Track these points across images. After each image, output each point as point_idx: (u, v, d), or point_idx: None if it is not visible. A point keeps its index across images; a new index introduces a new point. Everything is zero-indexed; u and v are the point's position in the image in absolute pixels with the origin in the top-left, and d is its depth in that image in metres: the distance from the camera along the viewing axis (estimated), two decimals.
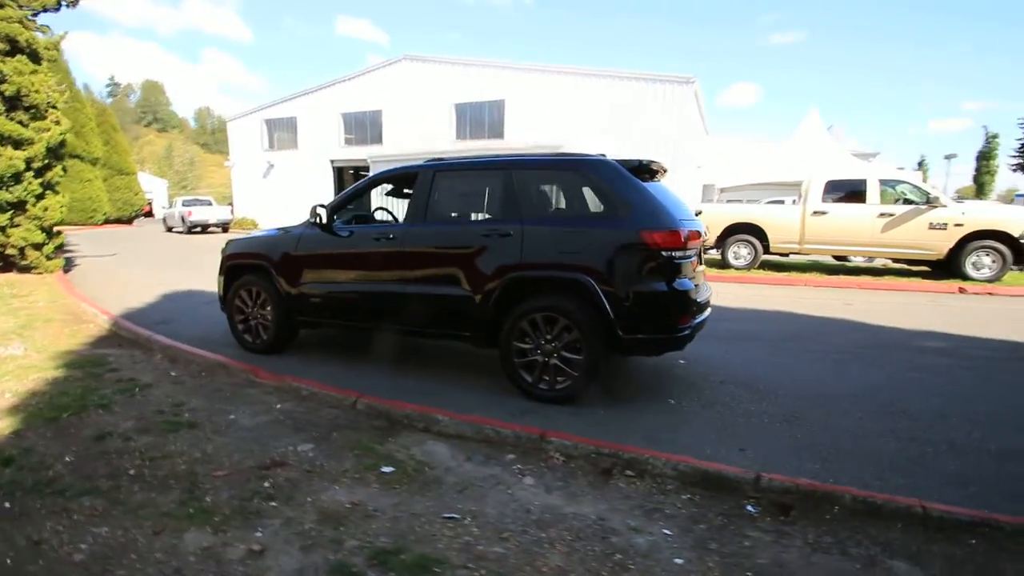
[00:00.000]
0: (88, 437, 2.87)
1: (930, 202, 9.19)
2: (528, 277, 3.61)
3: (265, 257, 4.64)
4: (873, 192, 9.69)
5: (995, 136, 34.06)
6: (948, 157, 30.14)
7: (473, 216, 4.10)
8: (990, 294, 8.16)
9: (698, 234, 3.70)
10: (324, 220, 4.29)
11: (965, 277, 8.86)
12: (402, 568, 1.85)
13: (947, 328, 5.99)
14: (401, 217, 4.83)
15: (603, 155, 3.84)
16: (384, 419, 3.26)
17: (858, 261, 12.89)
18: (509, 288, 3.66)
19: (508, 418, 3.36)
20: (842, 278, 9.71)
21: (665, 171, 4.06)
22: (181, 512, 2.18)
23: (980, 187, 33.80)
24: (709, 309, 3.98)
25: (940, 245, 9.05)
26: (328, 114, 24.18)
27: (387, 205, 5.46)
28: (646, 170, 3.77)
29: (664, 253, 3.38)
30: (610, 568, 1.91)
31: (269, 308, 4.67)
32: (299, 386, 3.67)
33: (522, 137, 19.80)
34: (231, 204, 26.52)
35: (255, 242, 4.88)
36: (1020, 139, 43.71)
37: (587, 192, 3.70)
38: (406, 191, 5.34)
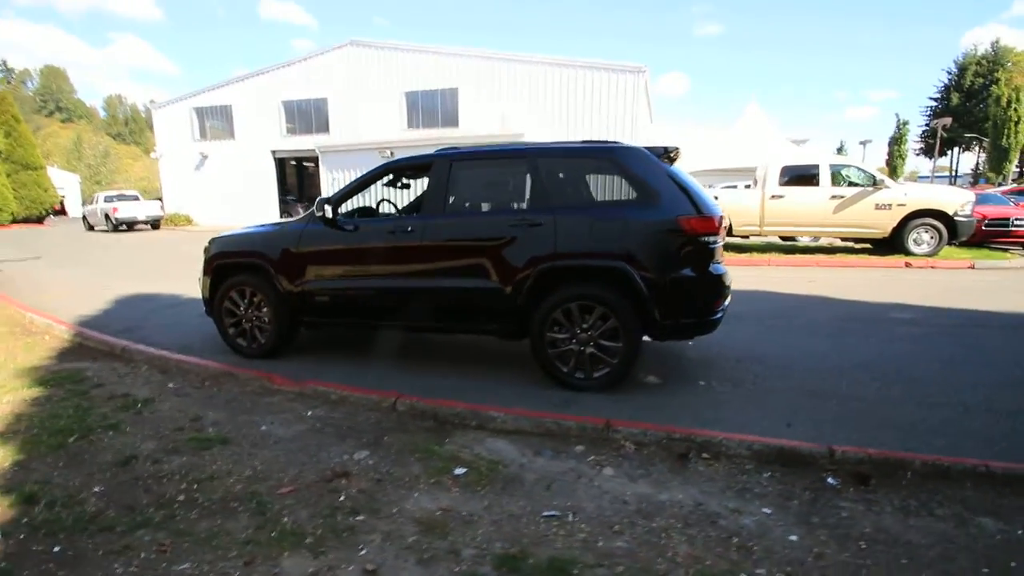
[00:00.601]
0: (110, 463, 2.54)
1: (876, 184, 9.92)
2: (563, 267, 3.55)
3: (261, 255, 4.30)
4: (825, 176, 10.33)
5: (906, 123, 37.35)
6: (863, 143, 32.73)
7: (495, 206, 3.97)
8: (932, 267, 8.95)
9: (722, 219, 3.78)
10: (329, 215, 4.01)
11: (907, 252, 9.66)
12: (538, 573, 1.77)
13: (909, 299, 6.49)
14: (408, 209, 4.65)
15: (617, 142, 3.83)
16: (432, 419, 3.11)
17: (806, 241, 13.76)
18: (542, 278, 3.59)
19: (554, 409, 3.30)
20: (799, 257, 10.32)
21: (679, 157, 4.11)
22: (264, 537, 1.97)
23: (893, 170, 36.99)
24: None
25: (886, 224, 9.81)
26: (267, 102, 22.80)
27: (385, 198, 5.17)
28: (667, 156, 3.79)
29: (700, 239, 3.42)
30: (736, 551, 1.92)
31: (266, 309, 4.33)
32: (327, 390, 3.44)
33: (478, 126, 19.55)
34: (159, 199, 24.50)
35: (247, 239, 4.50)
36: (921, 126, 48.21)
37: (618, 179, 3.67)
38: (404, 182, 5.14)
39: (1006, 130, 26.74)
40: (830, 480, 2.42)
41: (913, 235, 9.71)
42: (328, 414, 3.21)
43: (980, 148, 42.89)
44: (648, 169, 3.54)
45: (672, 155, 3.85)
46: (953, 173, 46.90)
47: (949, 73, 48.31)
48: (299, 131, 22.83)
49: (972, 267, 8.88)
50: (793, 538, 2.00)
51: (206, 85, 24.03)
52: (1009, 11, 76.90)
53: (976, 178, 39.62)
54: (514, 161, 3.85)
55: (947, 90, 47.87)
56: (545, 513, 2.17)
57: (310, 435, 2.91)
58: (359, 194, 4.37)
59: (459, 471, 2.51)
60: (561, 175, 3.72)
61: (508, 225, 3.67)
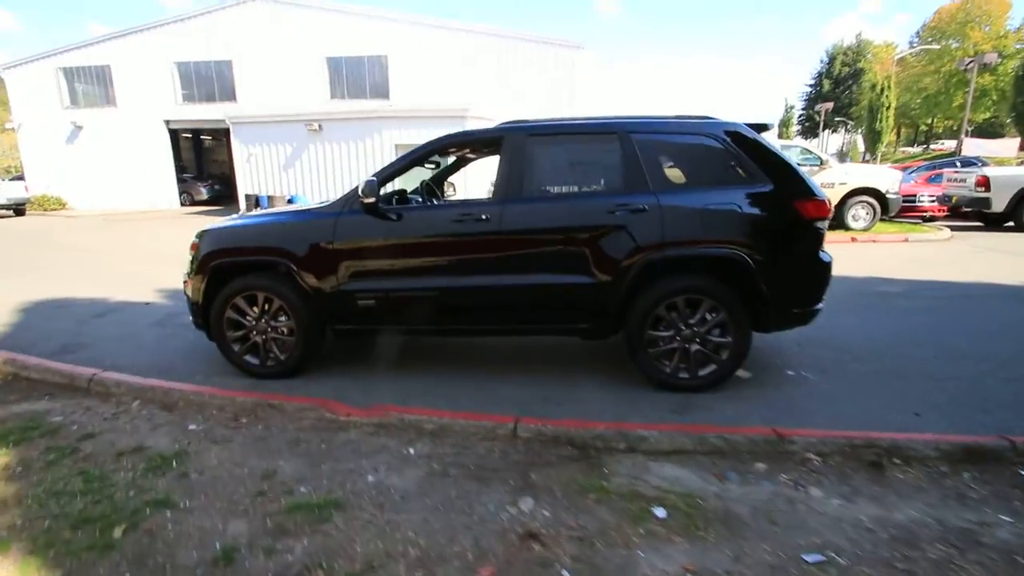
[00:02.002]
0: (202, 564, 1.80)
1: (821, 165, 10.61)
2: (672, 257, 3.19)
3: (282, 252, 3.46)
4: None
5: (792, 107, 41.06)
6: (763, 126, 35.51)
7: (583, 189, 3.47)
8: (874, 241, 9.79)
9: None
10: (373, 200, 3.29)
11: (847, 228, 10.49)
12: None
13: (882, 273, 6.92)
14: (454, 193, 4.00)
15: (709, 117, 3.50)
16: (568, 445, 2.64)
17: None
18: (646, 271, 3.21)
19: (673, 416, 3.00)
20: None
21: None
22: None
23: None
24: None
25: (831, 201, 10.55)
26: (157, 63, 19.59)
27: (425, 181, 4.41)
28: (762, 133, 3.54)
29: (814, 223, 3.23)
30: None
31: (286, 318, 3.53)
32: (418, 418, 2.81)
33: (412, 98, 18.28)
34: (21, 178, 20.34)
35: (258, 233, 3.60)
36: (799, 111, 53.34)
37: (723, 159, 3.34)
38: (450, 161, 4.40)
39: (879, 115, 30.26)
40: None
41: (852, 212, 10.55)
42: (436, 450, 2.62)
43: (845, 130, 48.50)
44: (760, 149, 3.25)
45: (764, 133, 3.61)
46: (824, 152, 52.75)
47: (821, 62, 53.82)
48: (199, 98, 19.93)
49: (907, 240, 9.83)
50: None
51: (76, 41, 20.04)
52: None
53: (842, 157, 44.65)
54: (604, 138, 3.36)
55: (820, 77, 53.34)
56: (808, 558, 1.84)
57: (439, 483, 2.32)
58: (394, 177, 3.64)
59: (659, 512, 2.10)
60: (661, 153, 3.31)
61: (605, 211, 3.22)
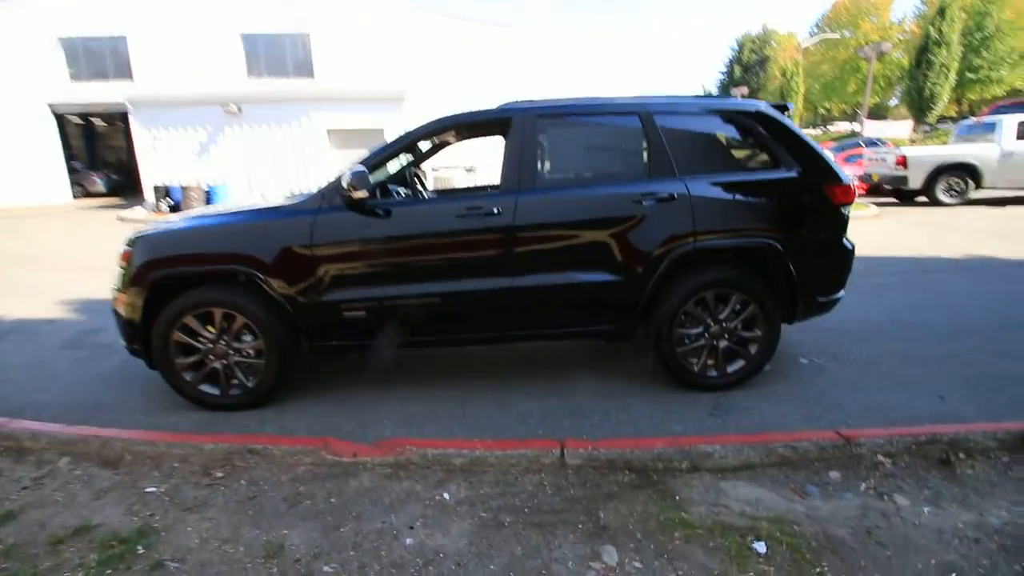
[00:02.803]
0: None
1: None
2: (704, 248, 2.93)
3: (243, 258, 2.84)
4: None
5: (710, 94, 42.92)
6: None
7: (602, 176, 3.11)
8: None
9: None
10: (365, 194, 2.76)
11: None
12: None
13: (877, 250, 7.03)
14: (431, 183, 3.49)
15: (725, 97, 3.26)
16: (625, 470, 2.31)
17: None
18: (677, 264, 2.94)
19: (713, 420, 2.81)
20: None
21: None
22: None
23: None
24: None
25: None
26: (36, 37, 16.88)
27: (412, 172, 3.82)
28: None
29: (842, 209, 3.10)
30: None
31: (252, 337, 2.94)
32: (443, 452, 2.36)
33: (340, 78, 17.00)
34: None
35: (211, 236, 2.94)
36: (716, 96, 56.01)
37: (752, 141, 3.11)
38: (430, 147, 3.85)
39: (790, 99, 32.39)
40: None
41: None
42: (475, 491, 2.20)
43: None
44: (787, 131, 3.06)
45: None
46: None
47: (732, 49, 56.81)
48: (89, 76, 17.40)
49: None
50: None
51: None
52: None
53: None
54: (623, 119, 3.02)
55: (732, 64, 56.32)
56: None
57: (495, 537, 1.92)
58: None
59: (760, 547, 1.84)
60: (686, 136, 3.03)
61: (631, 201, 2.90)
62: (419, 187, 3.60)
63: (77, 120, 20.57)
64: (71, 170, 18.82)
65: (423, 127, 3.02)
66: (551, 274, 2.93)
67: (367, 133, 13.73)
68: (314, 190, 3.00)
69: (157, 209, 14.48)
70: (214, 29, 16.82)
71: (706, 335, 3.07)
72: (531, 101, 3.07)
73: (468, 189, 4.49)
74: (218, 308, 2.89)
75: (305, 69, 17.47)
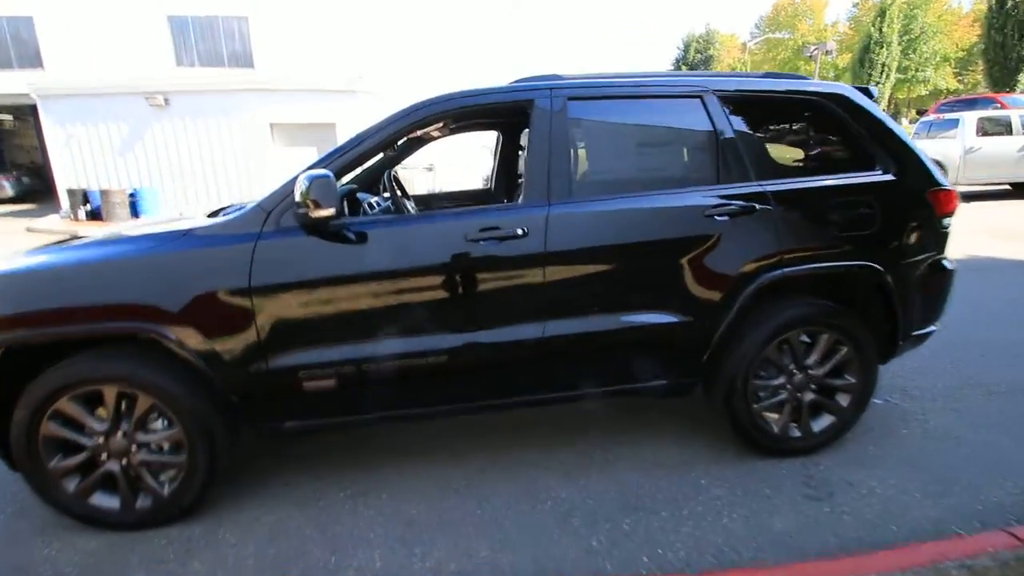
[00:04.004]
0: None
1: None
2: (793, 276, 2.22)
3: (145, 309, 1.90)
4: None
5: None
6: None
7: (652, 179, 2.32)
8: None
9: None
10: (333, 211, 1.87)
11: None
12: None
13: None
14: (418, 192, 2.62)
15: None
16: None
17: None
18: (757, 297, 2.21)
19: (811, 502, 2.13)
20: None
21: None
22: None
23: None
24: None
25: None
26: None
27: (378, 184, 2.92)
28: None
29: (944, 220, 2.46)
30: None
31: (165, 424, 2.02)
32: None
33: (288, 67, 15.52)
34: None
35: (89, 275, 1.95)
36: None
37: (841, 134, 2.42)
38: (406, 142, 2.98)
39: None
40: None
41: None
42: None
43: None
44: (881, 123, 2.39)
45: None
46: None
47: (678, 48, 58.00)
48: None
49: None
50: None
51: None
52: None
53: None
54: (681, 103, 2.25)
55: (678, 63, 57.42)
56: None
57: None
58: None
59: None
60: (761, 128, 2.32)
61: (702, 214, 2.15)
62: (401, 197, 2.71)
63: None
64: None
65: (403, 115, 2.13)
66: (592, 317, 2.14)
67: (317, 128, 12.47)
68: (251, 203, 2.09)
69: (73, 216, 12.71)
70: (134, 8, 14.95)
71: (788, 386, 2.37)
72: (557, 76, 2.25)
73: (456, 196, 3.62)
74: (109, 385, 1.93)
75: (244, 59, 15.86)
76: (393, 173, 2.76)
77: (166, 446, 2.04)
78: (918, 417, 2.80)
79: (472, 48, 17.53)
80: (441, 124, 2.73)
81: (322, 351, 2.01)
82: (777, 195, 2.20)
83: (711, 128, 2.22)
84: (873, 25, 28.35)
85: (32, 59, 15.19)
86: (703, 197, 2.17)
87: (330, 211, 1.83)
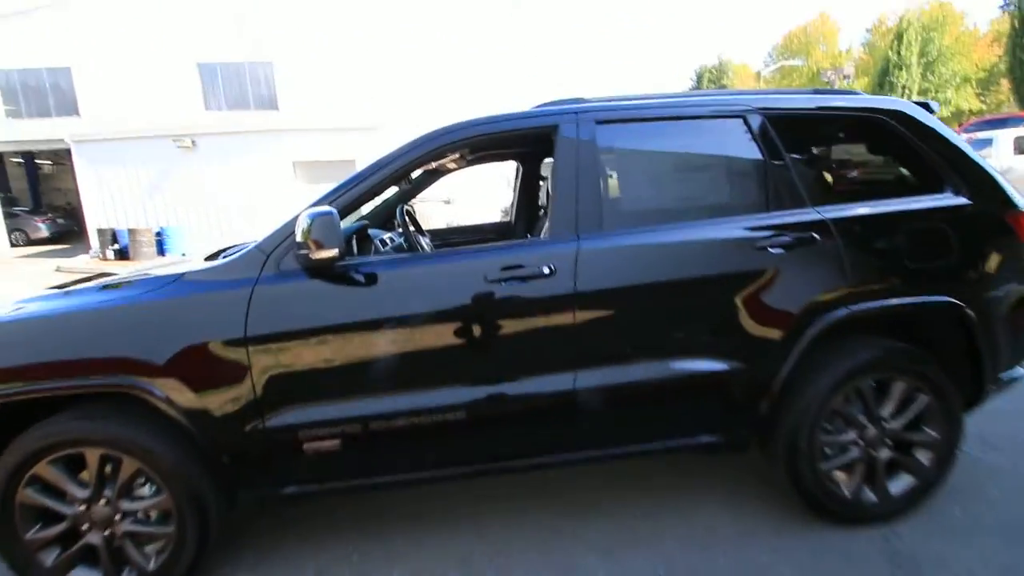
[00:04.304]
0: None
1: None
2: (861, 314, 1.94)
3: (130, 363, 1.72)
4: None
5: None
6: None
7: (693, 209, 2.09)
8: None
9: None
10: (336, 253, 1.67)
11: None
12: None
13: None
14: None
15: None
16: None
17: None
18: (822, 340, 1.93)
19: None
20: None
21: None
22: None
23: None
24: None
25: None
26: None
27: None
28: None
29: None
30: None
31: (152, 489, 1.82)
32: None
33: (309, 109, 15.95)
34: None
35: (68, 327, 1.78)
36: None
37: (897, 154, 2.17)
38: (422, 174, 2.83)
39: None
40: None
41: None
42: None
43: None
44: (948, 142, 2.13)
45: None
46: None
47: (691, 80, 58.76)
48: (29, 113, 15.95)
49: None
50: None
51: None
52: None
53: None
54: (723, 123, 2.04)
55: None
56: None
57: None
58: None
59: None
60: (812, 149, 2.08)
61: (754, 247, 1.90)
62: (414, 232, 2.52)
63: (17, 160, 18.92)
64: (8, 215, 17.10)
65: (415, 145, 1.95)
66: (629, 365, 1.89)
67: (338, 164, 12.67)
68: (251, 244, 1.91)
69: (102, 255, 13.02)
70: (167, 57, 15.64)
71: (860, 441, 2.04)
72: (582, 99, 2.07)
73: (475, 230, 3.43)
74: (91, 448, 1.74)
75: (268, 101, 16.40)
76: (407, 207, 2.58)
77: (153, 515, 1.82)
78: (1003, 472, 2.43)
79: (472, 49, 17.84)
80: (456, 154, 2.56)
81: (325, 408, 1.79)
82: (838, 223, 1.94)
83: (757, 149, 1.99)
84: (891, 48, 28.17)
85: (69, 107, 15.95)
86: (753, 227, 1.92)
87: (333, 252, 1.64)
